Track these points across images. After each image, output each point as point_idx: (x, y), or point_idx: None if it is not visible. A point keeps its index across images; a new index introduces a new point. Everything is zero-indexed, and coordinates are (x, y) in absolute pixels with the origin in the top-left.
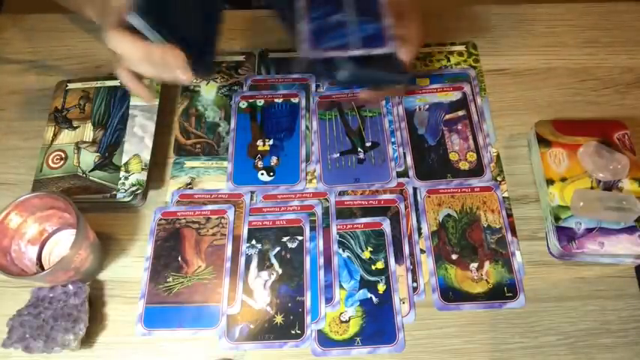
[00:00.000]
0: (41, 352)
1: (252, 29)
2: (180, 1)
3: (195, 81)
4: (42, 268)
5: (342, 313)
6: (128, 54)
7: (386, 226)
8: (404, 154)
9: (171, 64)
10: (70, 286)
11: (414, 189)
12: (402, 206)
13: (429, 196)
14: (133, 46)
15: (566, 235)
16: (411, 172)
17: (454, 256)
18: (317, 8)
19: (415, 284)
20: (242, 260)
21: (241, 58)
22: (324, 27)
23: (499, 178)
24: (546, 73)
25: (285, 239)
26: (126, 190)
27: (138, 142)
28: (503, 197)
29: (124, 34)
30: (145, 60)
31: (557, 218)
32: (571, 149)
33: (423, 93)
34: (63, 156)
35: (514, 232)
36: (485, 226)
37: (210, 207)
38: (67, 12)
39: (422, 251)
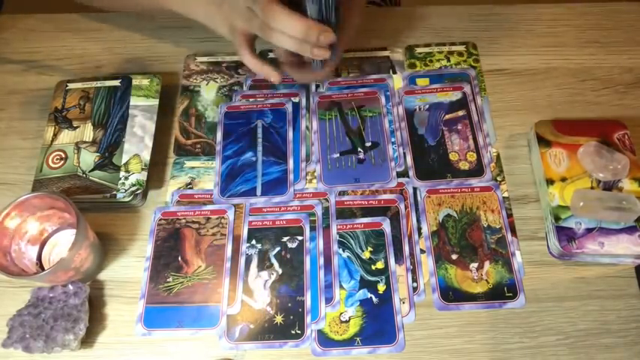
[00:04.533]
0: (41, 352)
1: None
2: None
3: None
4: (42, 268)
5: (342, 313)
6: (288, 26)
7: (386, 226)
8: (404, 154)
9: (320, 43)
10: (70, 286)
11: (414, 189)
12: (402, 206)
13: (429, 196)
14: (293, 18)
15: (566, 235)
16: (411, 172)
17: (454, 256)
18: None
19: (415, 284)
20: (242, 260)
21: None
22: None
23: (499, 178)
24: (546, 73)
25: (285, 239)
26: (126, 190)
27: (138, 142)
28: (503, 197)
29: (285, 8)
30: (301, 34)
31: (557, 218)
32: (571, 149)
33: (423, 93)
34: (63, 156)
35: (514, 232)
36: (485, 226)
37: (210, 207)
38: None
39: (422, 251)
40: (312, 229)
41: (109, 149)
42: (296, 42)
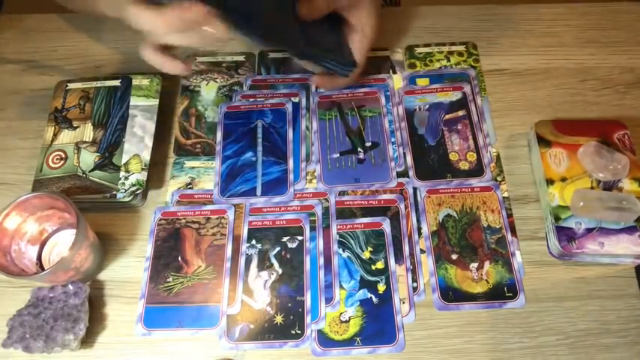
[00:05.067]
0: (41, 352)
1: None
2: None
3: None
4: (42, 268)
5: (342, 313)
6: (149, 26)
7: (386, 226)
8: (404, 154)
9: (193, 21)
10: (70, 286)
11: (414, 189)
12: (402, 206)
13: (429, 196)
14: (151, 15)
15: (566, 235)
16: (411, 172)
17: (454, 256)
18: None
19: (415, 284)
20: (242, 260)
21: (241, 58)
22: None
23: (499, 178)
24: (546, 73)
25: (285, 239)
26: (126, 190)
27: (138, 142)
28: (503, 197)
29: (140, 7)
30: (167, 28)
31: (557, 218)
32: (571, 149)
33: (423, 93)
34: (63, 156)
35: (514, 232)
36: (485, 226)
37: (210, 207)
38: (69, 12)
39: (422, 251)
40: (312, 229)
41: (109, 149)
42: (180, 37)
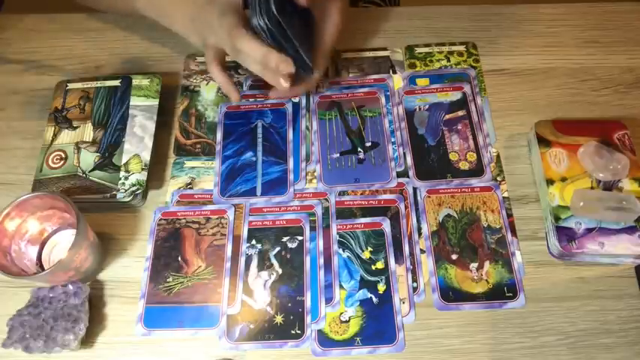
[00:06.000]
0: (41, 352)
1: None
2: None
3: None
4: (42, 268)
5: (342, 313)
6: (250, 52)
7: (386, 226)
8: (404, 154)
9: (280, 71)
10: (70, 286)
11: (414, 189)
12: (402, 206)
13: (429, 196)
14: (256, 45)
15: (566, 235)
16: (411, 172)
17: (454, 256)
18: None
19: (415, 284)
20: (242, 260)
21: None
22: None
23: (499, 178)
24: (546, 73)
25: (285, 239)
26: (126, 190)
27: (138, 142)
28: (503, 197)
29: (248, 33)
30: (261, 61)
31: (557, 218)
32: (571, 149)
33: (423, 93)
34: (63, 156)
35: (514, 232)
36: (485, 226)
37: (210, 207)
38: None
39: (422, 251)
40: (312, 229)
41: (109, 149)
42: (259, 67)
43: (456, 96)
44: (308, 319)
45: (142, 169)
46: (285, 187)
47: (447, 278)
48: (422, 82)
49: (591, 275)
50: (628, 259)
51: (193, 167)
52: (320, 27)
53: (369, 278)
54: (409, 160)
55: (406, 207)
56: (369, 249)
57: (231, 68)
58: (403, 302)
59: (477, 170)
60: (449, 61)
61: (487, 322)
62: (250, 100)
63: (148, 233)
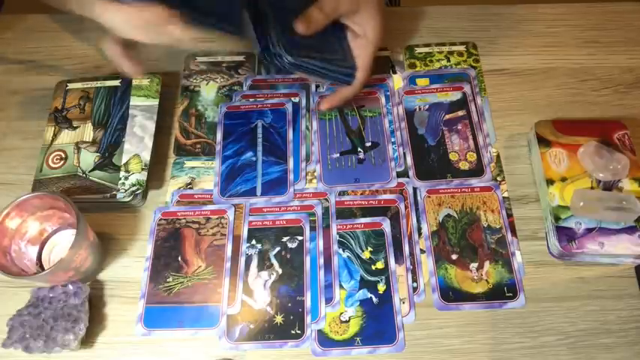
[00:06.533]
0: (41, 352)
1: None
2: None
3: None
4: (42, 268)
5: (342, 313)
6: (120, 21)
7: (386, 226)
8: (404, 154)
9: (164, 23)
10: (70, 286)
11: (414, 189)
12: (402, 206)
13: (429, 196)
14: (123, 12)
15: (566, 235)
16: (411, 172)
17: (454, 256)
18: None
19: (415, 284)
20: (242, 260)
21: (241, 58)
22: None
23: (499, 178)
24: (546, 73)
25: (285, 239)
26: (126, 190)
27: (138, 142)
28: (503, 197)
29: (112, 4)
30: (137, 24)
31: (557, 218)
32: (571, 149)
33: (423, 93)
34: (63, 156)
35: (514, 232)
36: (485, 226)
37: (210, 207)
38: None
39: (422, 251)
40: (312, 229)
41: (109, 149)
42: (145, 34)
43: (456, 96)
44: (308, 319)
45: (142, 169)
46: (285, 187)
47: (447, 278)
48: (422, 82)
49: (591, 275)
50: (628, 259)
51: (193, 167)
52: (358, 38)
53: (369, 278)
54: (409, 160)
55: (406, 207)
56: (369, 249)
57: (231, 68)
58: (403, 302)
59: (477, 170)
60: (449, 61)
61: (487, 322)
62: (250, 100)
63: (148, 233)
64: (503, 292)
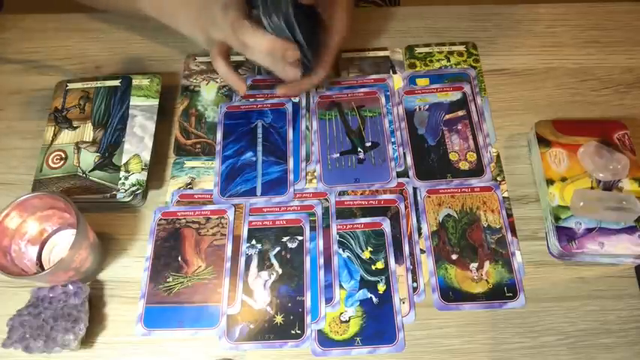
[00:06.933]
0: (41, 352)
1: None
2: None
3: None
4: (42, 268)
5: (342, 313)
6: (255, 43)
7: (386, 226)
8: (404, 154)
9: (287, 59)
10: (70, 286)
11: (414, 189)
12: (402, 206)
13: (429, 196)
14: (261, 36)
15: (566, 235)
16: (411, 172)
17: (454, 256)
18: None
19: (415, 284)
20: (242, 260)
21: (241, 58)
22: None
23: (499, 178)
24: (546, 73)
25: (285, 239)
26: (126, 190)
27: (138, 142)
28: (503, 197)
29: (252, 26)
30: (267, 51)
31: (557, 218)
32: (571, 149)
33: (423, 93)
34: (63, 156)
35: (514, 232)
36: (485, 226)
37: (210, 207)
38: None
39: (422, 251)
40: (312, 229)
41: (109, 149)
42: (266, 59)
43: (456, 96)
44: (308, 319)
45: (142, 169)
46: (285, 187)
47: (447, 278)
48: (422, 82)
49: (591, 275)
50: (628, 259)
51: (193, 167)
52: (326, 30)
53: (369, 278)
54: (409, 160)
55: (406, 207)
56: (369, 249)
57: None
58: (403, 302)
59: (477, 170)
60: (449, 61)
61: (487, 322)
62: (250, 100)
63: (148, 233)
64: (503, 292)
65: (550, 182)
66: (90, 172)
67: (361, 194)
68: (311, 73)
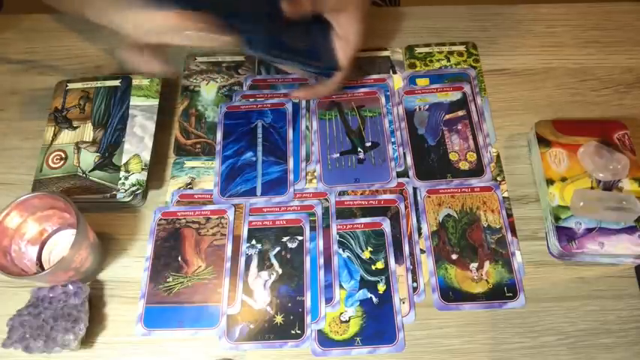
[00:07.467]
0: (41, 352)
1: None
2: None
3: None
4: (42, 268)
5: (342, 313)
6: (146, 26)
7: (386, 226)
8: (404, 154)
9: (188, 26)
10: (70, 286)
11: (414, 189)
12: (402, 206)
13: (429, 196)
14: (149, 17)
15: (566, 235)
16: (411, 172)
17: (454, 256)
18: None
19: (415, 284)
20: (242, 260)
21: (241, 58)
22: None
23: (499, 178)
24: (546, 73)
25: (285, 239)
26: (126, 190)
27: (138, 142)
28: (503, 197)
29: (138, 11)
30: (164, 28)
31: (557, 218)
32: (571, 149)
33: (423, 93)
34: (63, 156)
35: (514, 232)
36: (485, 226)
37: (210, 207)
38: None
39: (422, 251)
40: (312, 229)
41: (109, 149)
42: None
43: (456, 96)
44: (308, 319)
45: (142, 169)
46: (285, 187)
47: (447, 278)
48: (422, 82)
49: (591, 275)
50: (628, 259)
51: (193, 167)
52: (336, 45)
53: (369, 278)
54: (409, 160)
55: (406, 207)
56: (369, 249)
57: (231, 68)
58: (403, 302)
59: (477, 170)
60: (449, 61)
61: (487, 322)
62: (250, 100)
63: (148, 233)
64: (503, 292)
65: (550, 182)
66: (90, 172)
67: (361, 194)
68: (325, 79)
